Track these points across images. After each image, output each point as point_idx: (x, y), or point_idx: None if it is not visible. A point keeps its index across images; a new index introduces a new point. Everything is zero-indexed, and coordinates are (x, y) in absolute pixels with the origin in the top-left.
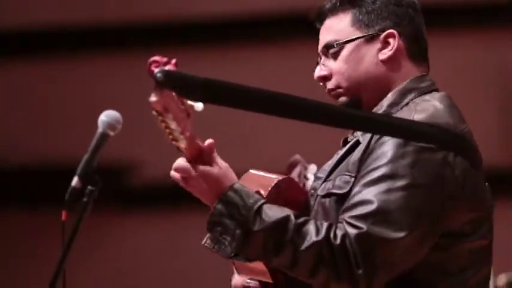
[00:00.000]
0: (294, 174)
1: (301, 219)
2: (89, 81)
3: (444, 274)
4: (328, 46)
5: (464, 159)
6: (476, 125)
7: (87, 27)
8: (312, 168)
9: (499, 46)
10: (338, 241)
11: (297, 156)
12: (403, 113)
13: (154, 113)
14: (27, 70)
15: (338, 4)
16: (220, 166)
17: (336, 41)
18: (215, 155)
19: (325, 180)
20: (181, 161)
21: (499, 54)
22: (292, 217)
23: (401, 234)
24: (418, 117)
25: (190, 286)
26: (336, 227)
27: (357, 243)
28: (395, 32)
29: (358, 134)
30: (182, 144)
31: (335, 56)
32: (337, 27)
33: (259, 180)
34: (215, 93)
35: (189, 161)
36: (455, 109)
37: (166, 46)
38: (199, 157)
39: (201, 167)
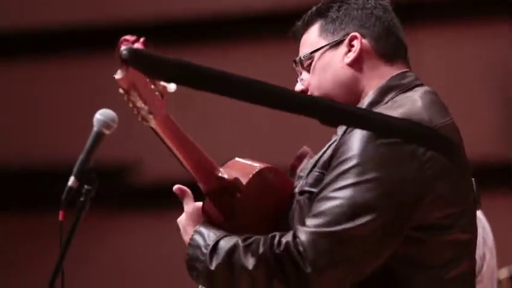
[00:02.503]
0: (302, 166)
1: (249, 241)
2: (88, 81)
3: (421, 267)
4: (298, 60)
5: (437, 154)
6: (480, 120)
7: (85, 27)
8: None
9: (502, 41)
10: (281, 247)
11: (306, 148)
12: (381, 110)
13: (120, 90)
14: (24, 71)
15: (307, 19)
16: (187, 211)
17: (304, 53)
18: (186, 199)
19: (304, 179)
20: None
21: (502, 49)
22: (240, 242)
23: (355, 226)
24: (391, 112)
25: (191, 286)
26: (281, 235)
27: (306, 242)
28: (357, 34)
29: (339, 133)
30: (152, 124)
31: (308, 68)
32: (308, 40)
33: (243, 167)
34: (181, 73)
35: (194, 177)
36: (436, 104)
37: (165, 44)
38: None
39: (180, 217)
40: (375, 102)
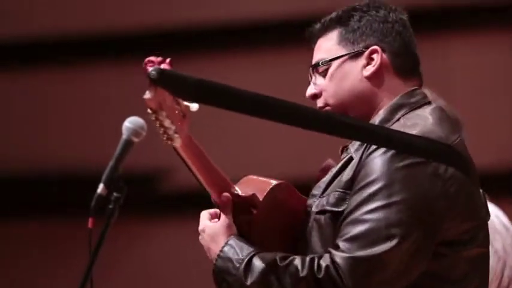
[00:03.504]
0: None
1: (287, 260)
2: (117, 88)
3: (444, 282)
4: (315, 65)
5: (456, 170)
6: (507, 126)
7: (113, 34)
8: None
9: None
10: (322, 272)
11: (330, 160)
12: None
13: (149, 111)
14: (48, 77)
15: (326, 24)
16: (223, 222)
17: (323, 59)
18: (227, 208)
19: (320, 197)
20: (203, 212)
21: None
22: (278, 260)
23: (390, 249)
24: (408, 131)
25: None
26: (320, 258)
27: (345, 267)
28: (378, 48)
29: (352, 150)
30: (177, 143)
31: (324, 74)
32: (325, 46)
33: (257, 184)
34: (208, 93)
35: (210, 194)
36: (446, 121)
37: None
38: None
39: (205, 223)
40: (385, 120)
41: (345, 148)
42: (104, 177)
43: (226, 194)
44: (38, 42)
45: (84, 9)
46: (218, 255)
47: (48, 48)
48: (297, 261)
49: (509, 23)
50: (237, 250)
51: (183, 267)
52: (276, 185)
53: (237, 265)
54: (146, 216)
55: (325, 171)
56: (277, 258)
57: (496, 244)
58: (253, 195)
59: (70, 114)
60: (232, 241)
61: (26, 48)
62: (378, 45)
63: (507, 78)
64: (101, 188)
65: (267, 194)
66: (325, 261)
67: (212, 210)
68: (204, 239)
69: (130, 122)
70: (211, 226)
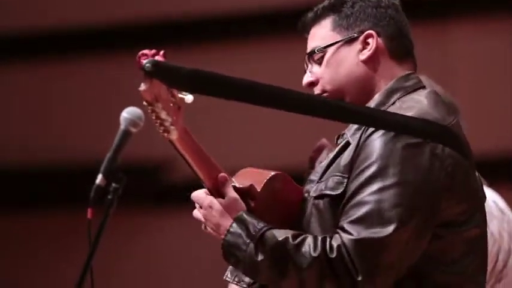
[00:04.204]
0: (321, 158)
1: (299, 239)
2: (118, 79)
3: (443, 264)
4: (311, 53)
5: (453, 151)
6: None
7: (113, 25)
8: None
9: None
10: (334, 253)
11: (324, 140)
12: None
13: (144, 103)
14: (46, 69)
15: (319, 12)
16: (229, 197)
17: (318, 47)
18: (228, 187)
19: (317, 182)
20: (197, 192)
21: None
22: (290, 238)
23: (394, 231)
24: (405, 114)
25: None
26: (332, 238)
27: (353, 249)
28: (373, 32)
29: (348, 134)
30: (174, 136)
31: (319, 62)
32: (319, 34)
33: (254, 176)
34: (203, 83)
35: (206, 186)
36: (442, 104)
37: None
38: (216, 185)
39: (211, 198)
40: (381, 103)
41: (340, 136)
42: (102, 168)
43: (222, 174)
44: (38, 34)
45: (83, 1)
46: (228, 230)
47: (47, 40)
48: (309, 239)
49: (509, 10)
50: (249, 226)
51: (187, 259)
52: (273, 176)
53: (248, 241)
54: (150, 208)
55: (319, 151)
56: (290, 236)
57: (492, 227)
58: (251, 186)
59: (70, 106)
60: (243, 217)
61: (25, 41)
62: (373, 30)
63: (507, 66)
64: (99, 178)
65: (264, 185)
66: (336, 242)
67: (205, 190)
68: (211, 215)
69: (128, 113)
70: (220, 201)
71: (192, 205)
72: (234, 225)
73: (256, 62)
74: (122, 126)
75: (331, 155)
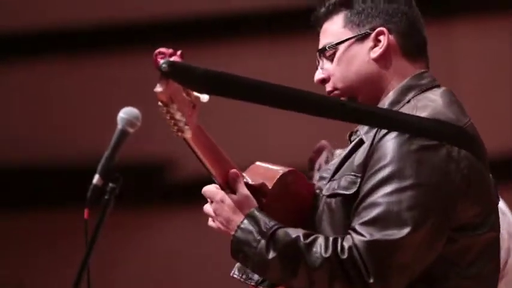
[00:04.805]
0: (321, 160)
1: (310, 238)
2: (118, 78)
3: (457, 267)
4: (322, 49)
5: (468, 153)
6: (506, 109)
7: (113, 24)
8: (339, 153)
9: None
10: (346, 254)
11: (324, 141)
12: (405, 111)
13: (159, 103)
14: (46, 68)
15: (331, 7)
16: (241, 194)
17: (329, 43)
18: (240, 183)
19: (330, 180)
20: (208, 186)
21: None
22: (302, 238)
23: (409, 233)
24: (420, 113)
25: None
26: (343, 239)
27: (365, 251)
28: (385, 29)
29: (361, 132)
30: (188, 135)
31: (331, 58)
32: (331, 30)
33: (265, 172)
34: (219, 84)
35: (219, 183)
36: (457, 104)
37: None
38: (226, 181)
39: (223, 193)
40: (396, 101)
41: (353, 133)
42: (99, 167)
43: (234, 170)
44: (36, 33)
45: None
46: (239, 226)
47: (47, 39)
48: (321, 240)
49: None
50: (260, 223)
51: (189, 258)
52: (285, 173)
53: (258, 238)
54: (152, 207)
55: (319, 152)
56: (301, 235)
57: None
58: (263, 183)
59: (69, 105)
60: (254, 214)
61: (24, 40)
62: (384, 27)
63: (511, 64)
64: (96, 178)
65: (276, 182)
66: (348, 243)
67: (216, 185)
68: (223, 209)
69: (124, 113)
70: (232, 197)
71: (195, 205)
72: (245, 221)
73: (268, 60)
74: (119, 126)
75: (344, 153)
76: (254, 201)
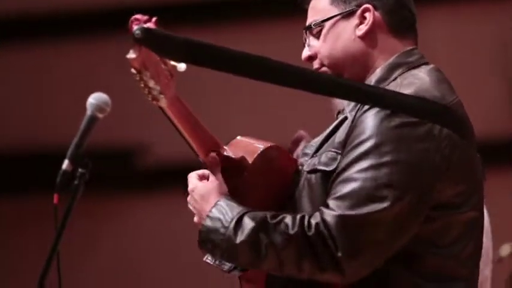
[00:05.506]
0: (299, 150)
1: (277, 218)
2: (91, 64)
3: (435, 246)
4: (308, 27)
5: (451, 132)
6: (484, 96)
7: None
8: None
9: (508, 17)
10: (312, 230)
11: (302, 132)
12: (391, 88)
13: (132, 70)
14: (20, 55)
15: None
16: (213, 181)
17: (316, 21)
18: (216, 168)
19: (312, 156)
20: (191, 173)
21: (508, 25)
22: (269, 218)
23: (382, 209)
24: (404, 91)
25: (198, 268)
26: (310, 216)
27: (335, 226)
28: (370, 6)
29: (347, 110)
30: (163, 104)
31: (317, 35)
32: (318, 7)
33: (246, 147)
34: (196, 53)
35: (197, 154)
36: (444, 82)
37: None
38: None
39: (195, 182)
40: (382, 79)
41: (341, 111)
42: (68, 153)
43: (213, 154)
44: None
45: None
46: (207, 215)
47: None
48: (288, 219)
49: None
50: (227, 210)
51: (159, 244)
52: (266, 148)
53: (226, 224)
54: (123, 193)
55: (296, 143)
56: (268, 216)
57: None
58: (243, 157)
59: (38, 91)
60: (222, 201)
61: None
62: (370, 3)
63: (489, 49)
64: (65, 164)
65: (257, 156)
66: (315, 219)
67: (200, 171)
68: (194, 199)
69: (94, 98)
70: (202, 186)
71: (166, 190)
72: (214, 209)
73: (272, 42)
74: (88, 112)
75: (328, 130)
76: (225, 188)
